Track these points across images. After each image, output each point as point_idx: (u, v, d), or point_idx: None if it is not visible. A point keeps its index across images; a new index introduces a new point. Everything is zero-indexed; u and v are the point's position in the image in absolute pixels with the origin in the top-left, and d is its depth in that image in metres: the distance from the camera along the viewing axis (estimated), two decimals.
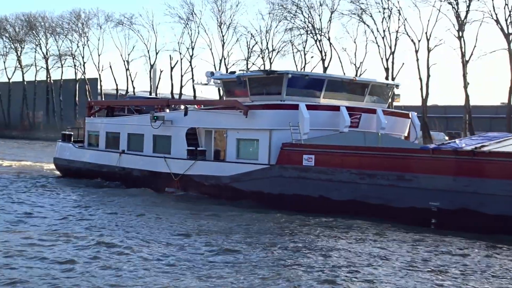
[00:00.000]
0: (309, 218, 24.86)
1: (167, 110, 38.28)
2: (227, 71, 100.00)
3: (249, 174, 29.37)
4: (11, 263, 16.54)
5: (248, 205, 28.31)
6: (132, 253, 17.98)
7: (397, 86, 34.67)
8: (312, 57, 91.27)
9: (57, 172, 42.55)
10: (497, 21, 64.57)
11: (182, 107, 36.82)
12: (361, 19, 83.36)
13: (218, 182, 30.54)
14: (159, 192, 32.89)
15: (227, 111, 31.32)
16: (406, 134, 33.96)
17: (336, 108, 30.45)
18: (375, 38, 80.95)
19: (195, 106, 36.99)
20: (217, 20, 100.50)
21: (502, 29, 64.23)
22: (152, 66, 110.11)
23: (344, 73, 79.65)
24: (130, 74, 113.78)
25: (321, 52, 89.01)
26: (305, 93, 31.01)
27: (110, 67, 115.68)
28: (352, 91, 32.51)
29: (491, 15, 66.18)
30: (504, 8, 65.20)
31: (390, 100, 35.15)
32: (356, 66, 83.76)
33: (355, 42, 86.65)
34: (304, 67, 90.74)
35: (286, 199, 27.73)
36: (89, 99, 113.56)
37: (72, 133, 43.05)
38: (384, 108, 32.72)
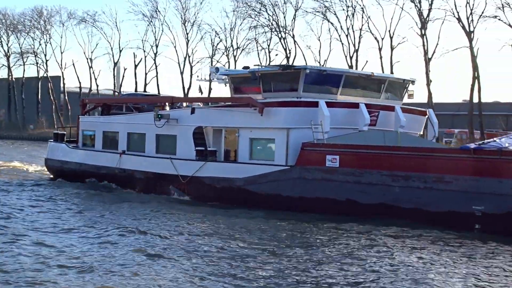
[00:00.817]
0: (339, 223, 23.20)
1: (167, 108, 36.40)
2: (191, 69, 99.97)
3: (266, 176, 27.56)
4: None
5: (266, 210, 26.60)
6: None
7: (413, 82, 33.07)
8: (276, 54, 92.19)
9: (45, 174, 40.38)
10: (459, 19, 65.11)
11: (184, 105, 35.01)
12: (325, 17, 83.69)
13: (231, 184, 28.66)
14: (164, 195, 30.99)
15: (239, 109, 29.45)
16: (421, 132, 32.38)
17: (355, 105, 28.76)
18: (339, 36, 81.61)
19: (200, 103, 35.00)
20: (181, 18, 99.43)
21: (463, 27, 64.77)
22: (115, 64, 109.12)
23: None
24: (93, 72, 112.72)
25: (285, 49, 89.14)
26: (322, 89, 29.28)
27: (73, 65, 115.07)
28: (368, 87, 30.83)
29: (453, 13, 66.78)
30: (466, 6, 65.88)
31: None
32: (320, 64, 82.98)
33: (319, 40, 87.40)
34: (268, 64, 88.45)
35: (308, 202, 25.99)
36: (51, 98, 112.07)
37: (65, 133, 40.70)
38: (400, 105, 31.09)
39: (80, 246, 18.77)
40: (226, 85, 34.82)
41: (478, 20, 65.12)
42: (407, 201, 23.37)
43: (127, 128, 34.67)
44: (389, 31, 75.14)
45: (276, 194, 26.99)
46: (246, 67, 30.21)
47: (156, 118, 32.14)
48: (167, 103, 36.85)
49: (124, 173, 33.70)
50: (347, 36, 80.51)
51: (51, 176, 39.60)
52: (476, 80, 64.73)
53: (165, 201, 29.77)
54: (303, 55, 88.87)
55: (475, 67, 64.43)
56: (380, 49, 75.85)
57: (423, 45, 69.13)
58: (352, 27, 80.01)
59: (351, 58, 79.42)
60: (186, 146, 31.35)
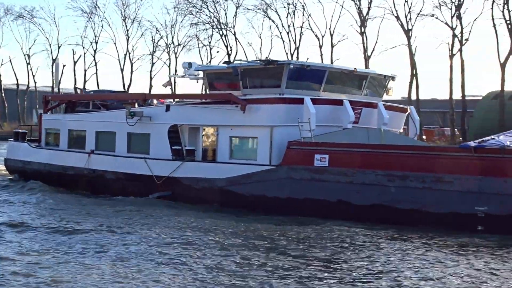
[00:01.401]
0: (329, 225, 22.12)
1: (136, 105, 34.78)
2: (131, 66, 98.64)
3: (250, 176, 26.26)
4: None
5: (249, 212, 25.41)
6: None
7: (393, 78, 32.19)
8: (218, 51, 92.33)
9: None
10: (397, 18, 66.29)
11: (155, 102, 33.44)
12: (266, 14, 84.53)
13: (211, 185, 27.27)
14: (137, 196, 29.45)
15: (219, 106, 28.09)
16: (401, 130, 31.49)
17: (339, 102, 27.71)
18: (280, 33, 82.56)
19: (172, 100, 33.46)
20: (121, 14, 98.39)
21: (402, 25, 65.95)
22: (54, 61, 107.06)
23: None
24: (31, 69, 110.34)
25: (226, 46, 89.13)
26: (305, 85, 28.11)
27: (10, 61, 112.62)
28: (350, 83, 29.80)
29: (392, 12, 68.28)
30: (404, 5, 67.54)
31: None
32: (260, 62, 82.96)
33: (260, 37, 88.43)
34: (209, 61, 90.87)
35: (296, 204, 24.76)
36: None
37: (26, 131, 38.61)
38: (380, 101, 30.15)
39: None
40: (198, 82, 33.50)
41: (416, 18, 67.10)
42: (405, 201, 22.33)
43: (96, 126, 32.91)
44: (330, 28, 76.45)
45: (261, 195, 25.73)
46: (227, 62, 28.89)
47: (128, 116, 30.50)
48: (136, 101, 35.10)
49: (93, 173, 31.95)
50: (288, 33, 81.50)
51: (11, 177, 37.52)
52: (414, 78, 65.98)
53: (139, 203, 28.26)
54: (244, 52, 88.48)
55: (413, 65, 65.70)
56: (320, 47, 76.83)
57: (363, 43, 70.22)
58: (293, 25, 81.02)
59: (292, 55, 79.94)
60: (160, 145, 29.85)
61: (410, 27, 65.69)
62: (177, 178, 28.35)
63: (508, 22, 60.25)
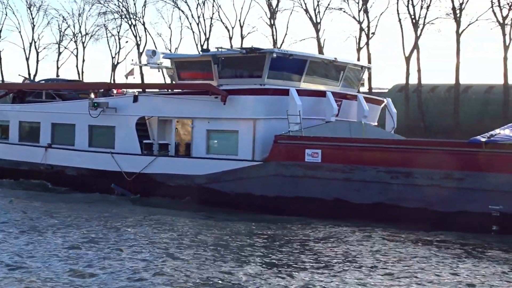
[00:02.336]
0: (323, 226, 20.62)
1: (92, 95, 32.34)
2: (37, 55, 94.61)
3: (233, 172, 24.42)
4: None
5: (231, 211, 23.64)
6: None
7: (369, 69, 30.88)
8: (126, 42, 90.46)
9: None
10: (306, 10, 67.02)
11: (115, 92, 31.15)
12: (175, 5, 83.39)
13: (189, 182, 25.29)
14: (103, 193, 27.27)
15: (195, 97, 26.11)
16: (376, 123, 30.21)
17: (322, 94, 26.19)
18: (190, 24, 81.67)
19: (135, 91, 31.15)
20: (26, 2, 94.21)
21: (311, 18, 66.68)
22: None
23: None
24: None
25: (135, 37, 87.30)
26: (286, 76, 26.42)
27: None
28: (328, 74, 28.29)
29: (301, 4, 69.00)
30: None
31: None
32: (170, 52, 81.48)
33: (170, 28, 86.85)
34: (118, 52, 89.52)
35: (287, 202, 23.08)
36: None
37: None
38: (355, 92, 28.80)
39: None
40: (159, 71, 31.29)
41: (324, 12, 67.93)
42: (410, 200, 20.95)
43: (52, 118, 30.29)
44: (239, 20, 76.21)
45: (246, 193, 23.93)
46: (204, 50, 26.84)
47: (91, 107, 28.13)
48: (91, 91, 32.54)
49: (51, 169, 29.40)
50: (198, 24, 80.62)
51: None
52: None
53: (107, 201, 26.10)
54: (154, 43, 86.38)
55: None
56: (230, 38, 76.68)
57: (272, 35, 70.87)
58: (203, 16, 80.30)
59: (202, 46, 78.93)
60: (127, 139, 27.64)
61: (318, 20, 66.62)
62: (149, 174, 26.23)
63: (412, 17, 61.49)
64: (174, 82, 28.99)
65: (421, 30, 61.78)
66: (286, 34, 71.31)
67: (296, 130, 24.22)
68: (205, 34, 79.08)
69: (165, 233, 19.08)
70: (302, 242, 18.44)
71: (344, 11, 66.21)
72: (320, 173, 22.58)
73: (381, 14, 65.92)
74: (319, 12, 66.90)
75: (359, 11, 65.28)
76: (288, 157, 23.51)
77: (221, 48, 26.10)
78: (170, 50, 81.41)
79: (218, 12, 78.76)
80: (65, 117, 29.83)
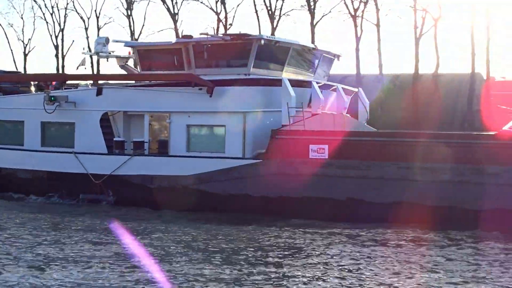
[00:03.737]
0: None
1: (33, 89, 28.98)
2: None
3: (227, 172, 22.01)
4: None
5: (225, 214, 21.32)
6: None
7: (338, 57, 29.13)
8: None
9: None
10: (164, 1, 65.85)
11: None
12: None
13: (174, 184, 22.64)
14: (64, 199, 24.29)
15: (173, 89, 23.51)
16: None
17: (308, 84, 24.27)
18: (43, 14, 77.38)
19: (89, 83, 27.97)
20: None
21: (168, 9, 65.74)
22: None
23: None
24: None
25: None
26: (268, 65, 24.24)
27: None
28: (305, 62, 26.36)
29: None
30: None
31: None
32: (24, 43, 78.23)
33: (22, 18, 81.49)
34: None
35: (291, 204, 20.94)
36: None
37: None
38: (325, 82, 27.07)
39: None
40: (108, 60, 28.16)
41: (182, 2, 66.90)
42: (436, 198, 19.34)
43: None
44: (95, 11, 73.58)
45: (243, 194, 21.61)
46: (186, 36, 24.10)
47: (47, 101, 24.87)
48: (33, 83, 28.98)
49: None
50: (52, 14, 76.53)
51: None
52: None
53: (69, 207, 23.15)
54: (5, 33, 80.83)
55: None
56: (86, 29, 73.80)
57: (130, 26, 69.17)
58: (57, 6, 76.37)
59: (56, 37, 75.49)
60: (89, 136, 24.65)
61: (176, 11, 65.10)
62: (123, 176, 23.37)
63: (268, 8, 60.99)
64: (137, 72, 26.02)
65: (277, 21, 61.19)
66: (143, 25, 69.19)
67: (286, 124, 22.24)
68: (59, 25, 74.98)
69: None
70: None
71: (201, 2, 64.90)
72: (331, 171, 20.57)
73: (238, 6, 64.82)
74: (176, 2, 65.22)
75: (216, 2, 64.07)
76: (289, 153, 21.37)
77: (207, 34, 23.44)
78: (22, 42, 78.12)
79: (73, 2, 74.76)
80: (10, 113, 26.34)
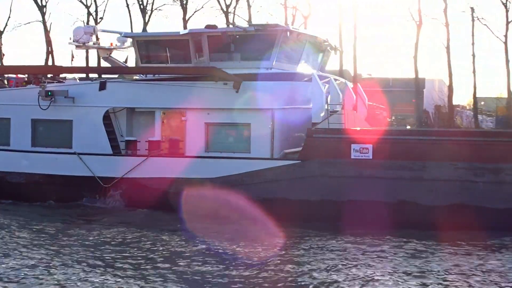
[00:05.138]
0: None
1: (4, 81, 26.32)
2: None
3: (260, 174, 20.25)
4: None
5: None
6: None
7: (336, 50, 27.60)
8: None
9: None
10: None
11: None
12: None
13: (198, 187, 20.64)
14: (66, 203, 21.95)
15: (190, 83, 21.56)
16: None
17: (326, 80, 22.89)
18: None
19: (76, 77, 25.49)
20: None
21: (36, 2, 63.35)
22: None
23: None
24: None
25: None
26: (288, 58, 22.66)
27: None
28: (313, 56, 24.84)
29: None
30: None
31: None
32: None
33: None
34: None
35: (335, 207, 19.41)
36: None
37: None
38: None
39: None
40: (82, 51, 25.77)
41: None
42: (498, 200, 18.34)
43: None
44: None
45: (281, 198, 19.90)
46: (211, 26, 22.04)
47: (43, 97, 22.36)
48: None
49: None
50: None
51: None
52: (50, 55, 63.12)
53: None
54: None
55: (48, 42, 62.51)
56: None
57: None
58: None
59: None
60: (90, 135, 22.35)
61: (44, 3, 63.00)
62: (138, 179, 21.19)
63: (140, 2, 60.33)
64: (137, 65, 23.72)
65: (149, 16, 60.44)
66: (9, 17, 65.60)
67: (316, 122, 20.80)
68: None
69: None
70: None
71: None
72: (381, 172, 19.20)
73: None
74: None
75: None
76: (327, 154, 19.84)
77: (233, 24, 21.58)
78: None
79: None
80: None
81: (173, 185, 20.83)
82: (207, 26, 21.63)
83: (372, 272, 14.00)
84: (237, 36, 21.25)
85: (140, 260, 14.96)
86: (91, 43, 25.20)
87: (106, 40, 26.06)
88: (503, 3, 53.70)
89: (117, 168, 21.46)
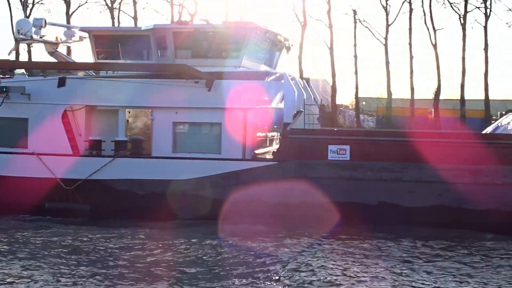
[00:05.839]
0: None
1: None
2: None
3: (235, 175, 19.67)
4: None
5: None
6: None
7: (288, 49, 27.33)
8: None
9: None
10: None
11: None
12: None
13: (166, 189, 19.80)
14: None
15: (159, 81, 20.70)
16: None
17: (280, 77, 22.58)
18: None
19: (25, 72, 24.05)
20: None
21: None
22: None
23: None
24: None
25: None
26: (254, 57, 22.20)
27: None
28: (273, 55, 24.53)
29: None
30: None
31: None
32: None
33: None
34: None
35: (315, 208, 19.04)
36: None
37: None
38: None
39: None
40: (31, 46, 24.49)
41: None
42: (477, 201, 18.51)
43: None
44: None
45: (256, 200, 19.37)
46: (182, 22, 21.17)
47: None
48: None
49: None
50: None
51: None
52: None
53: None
54: None
55: None
56: None
57: None
58: None
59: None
60: (48, 135, 21.10)
61: None
62: (103, 181, 20.17)
63: None
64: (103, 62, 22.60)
65: (31, 10, 58.71)
66: None
67: (287, 122, 20.46)
68: None
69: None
70: None
71: None
72: (362, 174, 19.02)
73: None
74: None
75: None
76: (304, 154, 19.49)
77: (206, 21, 20.76)
78: None
79: None
80: None
81: (146, 187, 19.96)
82: (179, 22, 20.85)
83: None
84: (210, 33, 20.57)
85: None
86: (37, 37, 23.89)
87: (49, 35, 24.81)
88: (384, 7, 55.72)
89: (81, 170, 20.33)
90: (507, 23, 62.61)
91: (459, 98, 56.93)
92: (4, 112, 21.33)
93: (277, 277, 13.83)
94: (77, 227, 18.87)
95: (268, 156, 21.17)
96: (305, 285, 13.28)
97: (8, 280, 13.42)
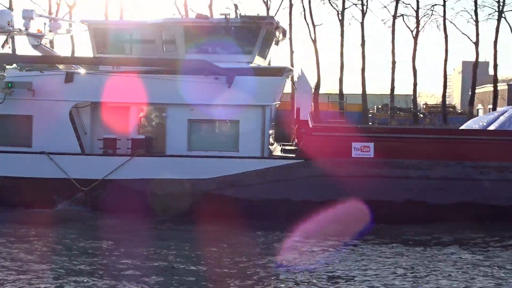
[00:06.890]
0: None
1: None
2: None
3: (258, 174, 19.34)
4: None
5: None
6: None
7: (278, 42, 26.94)
8: None
9: None
10: None
11: None
12: None
13: (190, 189, 19.33)
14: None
15: (174, 77, 20.11)
16: None
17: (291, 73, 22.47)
18: None
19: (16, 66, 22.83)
20: None
21: None
22: None
23: None
24: None
25: None
26: (262, 52, 21.87)
27: None
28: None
29: None
30: None
31: None
32: None
33: None
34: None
35: (339, 207, 18.99)
36: None
37: None
38: None
39: None
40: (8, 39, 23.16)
41: None
42: (504, 198, 18.86)
43: None
44: None
45: (281, 199, 19.13)
46: (202, 16, 20.49)
47: (3, 88, 19.90)
48: None
49: None
50: None
51: None
52: None
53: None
54: None
55: None
56: None
57: None
58: None
59: None
60: (54, 133, 20.27)
61: None
62: (121, 181, 19.46)
63: None
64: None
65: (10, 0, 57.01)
66: None
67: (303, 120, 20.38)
68: None
69: None
70: None
71: None
72: (388, 172, 19.03)
73: None
74: None
75: None
76: (326, 152, 19.35)
77: (224, 14, 20.17)
78: None
79: None
80: None
81: (164, 186, 19.37)
82: (198, 16, 20.27)
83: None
84: (232, 28, 20.08)
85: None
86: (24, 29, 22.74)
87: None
88: (264, 2, 55.74)
89: (98, 169, 19.55)
90: (382, 20, 64.03)
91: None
92: (7, 109, 20.28)
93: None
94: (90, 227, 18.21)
95: (276, 154, 20.96)
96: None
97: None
